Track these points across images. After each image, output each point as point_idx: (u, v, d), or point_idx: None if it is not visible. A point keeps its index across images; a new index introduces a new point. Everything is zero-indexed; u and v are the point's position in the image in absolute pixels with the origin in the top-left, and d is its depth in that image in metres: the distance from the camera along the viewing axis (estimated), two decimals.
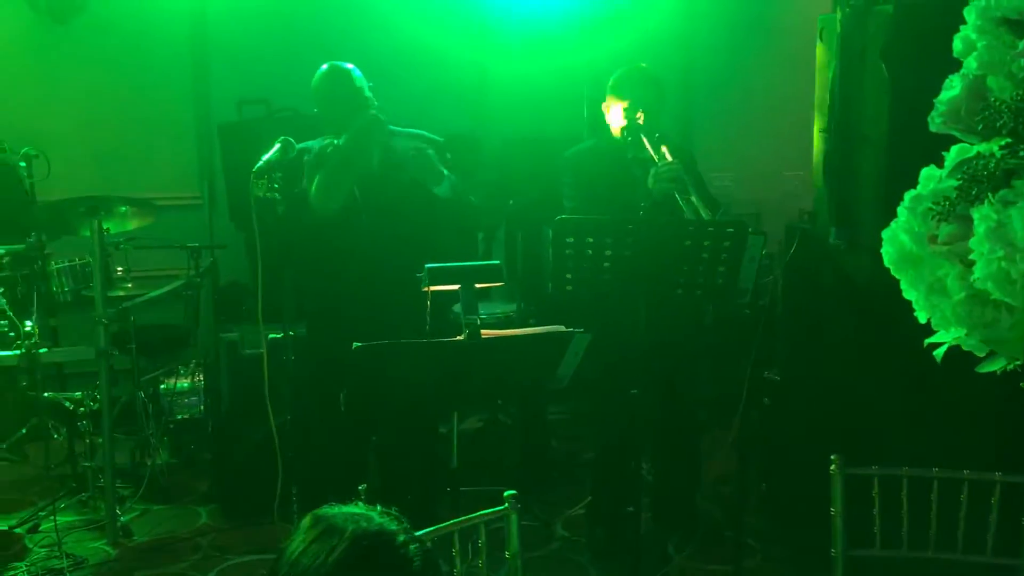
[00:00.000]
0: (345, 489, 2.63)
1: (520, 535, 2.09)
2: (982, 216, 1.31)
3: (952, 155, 1.41)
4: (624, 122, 3.61)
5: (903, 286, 1.39)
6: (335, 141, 3.06)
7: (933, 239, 1.35)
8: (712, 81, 5.65)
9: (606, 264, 3.02)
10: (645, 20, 5.49)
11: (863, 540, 2.23)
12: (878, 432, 3.11)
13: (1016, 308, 1.31)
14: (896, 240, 1.38)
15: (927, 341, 1.40)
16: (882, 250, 1.41)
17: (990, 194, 1.31)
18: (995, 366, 1.41)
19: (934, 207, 1.32)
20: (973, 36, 1.41)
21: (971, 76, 1.40)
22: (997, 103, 1.33)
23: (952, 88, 1.43)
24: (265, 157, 2.81)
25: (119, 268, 4.42)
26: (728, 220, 3.09)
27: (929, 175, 1.38)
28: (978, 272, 1.30)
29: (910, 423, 3.01)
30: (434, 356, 2.55)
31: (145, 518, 4.16)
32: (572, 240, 2.99)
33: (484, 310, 4.18)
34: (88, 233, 3.98)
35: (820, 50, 3.38)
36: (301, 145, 3.01)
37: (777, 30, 5.31)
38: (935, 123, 1.39)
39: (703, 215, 3.27)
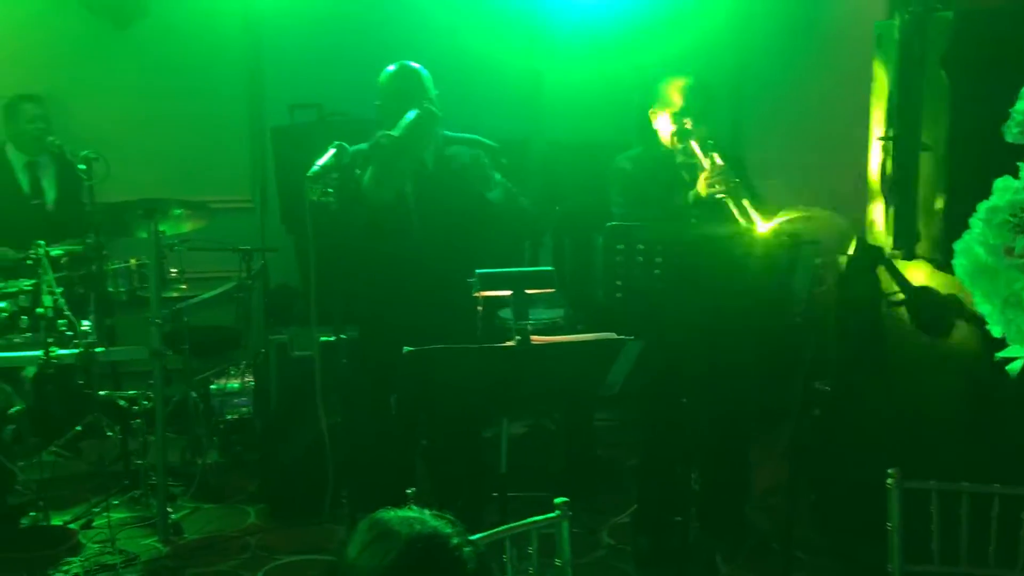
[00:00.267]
0: (394, 492, 2.65)
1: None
2: None
3: None
4: (673, 128, 3.61)
5: (976, 299, 1.36)
6: (389, 132, 3.09)
7: (1009, 251, 1.32)
8: (763, 86, 5.59)
9: (656, 272, 3.01)
10: (696, 26, 5.45)
11: (919, 555, 2.19)
12: (934, 445, 3.05)
13: None
14: (970, 252, 1.35)
15: (998, 355, 1.37)
16: (954, 262, 1.39)
17: None
18: None
19: (1011, 219, 1.29)
20: None
21: None
22: None
23: None
24: (320, 162, 2.85)
25: (173, 269, 4.49)
26: (782, 228, 3.06)
27: (1005, 186, 1.35)
28: None
29: (968, 436, 2.95)
30: (485, 361, 2.55)
31: (195, 516, 4.22)
32: (623, 247, 2.98)
33: (530, 315, 4.19)
34: (144, 235, 4.06)
35: (877, 57, 3.33)
36: (354, 148, 3.04)
37: (830, 35, 5.24)
38: (1011, 133, 1.36)
39: (756, 222, 3.24)
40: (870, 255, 3.35)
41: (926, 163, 3.10)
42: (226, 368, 4.92)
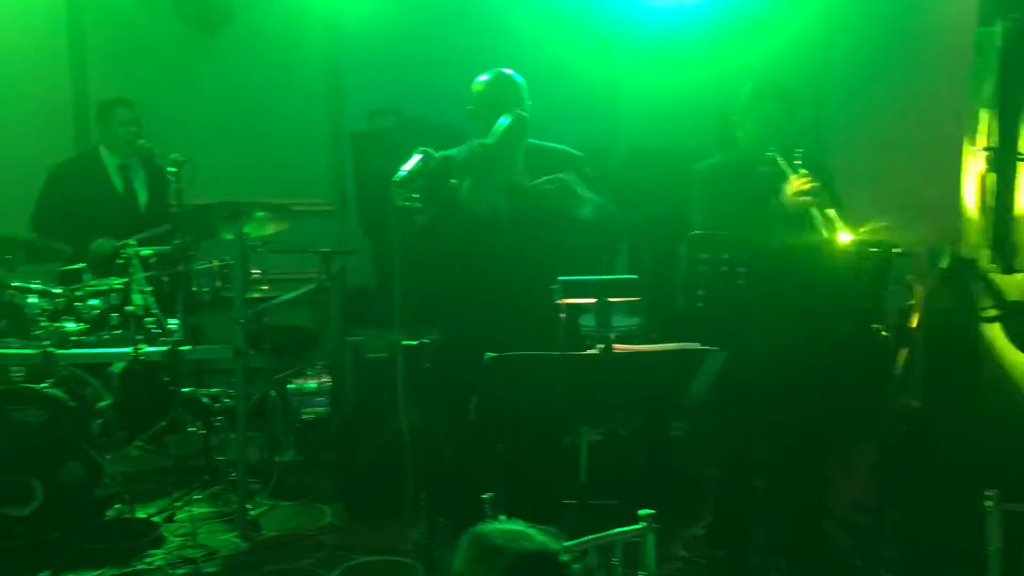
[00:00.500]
0: (471, 497, 2.66)
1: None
2: None
3: None
4: (755, 136, 3.55)
5: None
6: (484, 141, 3.11)
7: None
8: (847, 93, 5.47)
9: (740, 282, 2.98)
10: (777, 31, 5.38)
11: None
12: None
13: None
14: None
15: None
16: None
17: None
18: None
19: None
20: None
21: None
22: None
23: None
24: (406, 167, 2.87)
25: (256, 271, 4.57)
26: (873, 240, 2.99)
27: None
28: None
29: None
30: (567, 368, 2.55)
31: (272, 513, 4.29)
32: (706, 256, 2.95)
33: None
34: (229, 236, 4.15)
35: (975, 63, 3.23)
36: (440, 154, 3.06)
37: (918, 41, 5.10)
38: None
39: (841, 233, 3.17)
40: (963, 268, 3.24)
41: None
42: (303, 368, 5.00)
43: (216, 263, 4.49)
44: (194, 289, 4.47)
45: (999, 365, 3.15)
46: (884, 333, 3.18)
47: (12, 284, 3.98)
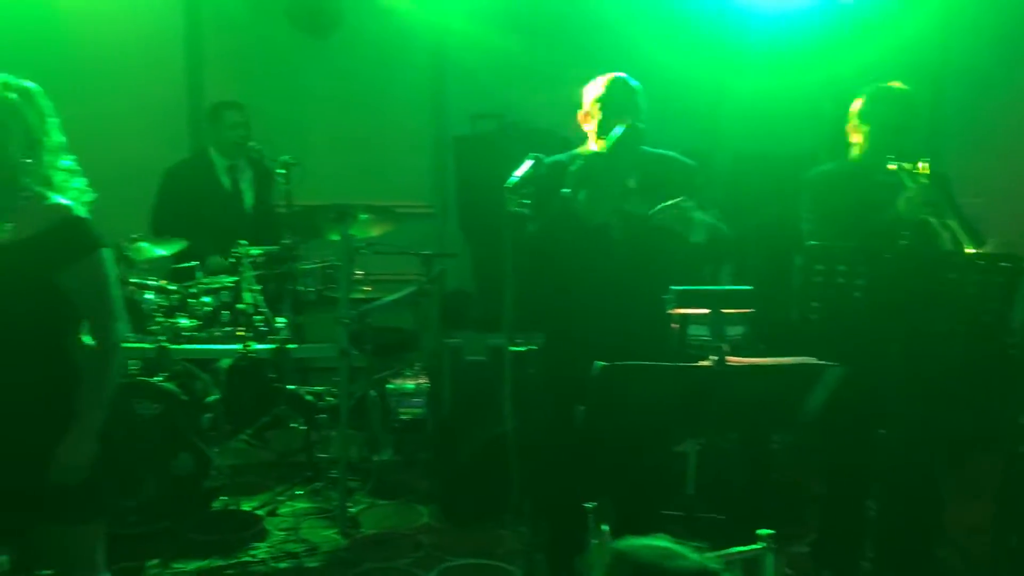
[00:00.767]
0: (574, 506, 2.63)
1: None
2: None
3: None
4: (872, 143, 3.43)
5: None
6: (597, 151, 3.08)
7: None
8: (965, 97, 5.27)
9: (857, 294, 2.88)
10: (892, 34, 5.20)
11: None
12: None
13: None
14: None
15: None
16: None
17: None
18: None
19: None
20: None
21: None
22: None
23: None
24: (518, 173, 2.86)
25: (359, 272, 4.65)
26: (1001, 252, 2.85)
27: None
28: None
29: None
30: (680, 380, 2.50)
31: (371, 511, 4.35)
32: (822, 267, 2.86)
33: (708, 332, 4.10)
34: (335, 237, 4.23)
35: None
36: (550, 160, 3.04)
37: None
38: None
39: (966, 244, 3.04)
40: None
41: None
42: (401, 369, 5.06)
43: (321, 263, 4.59)
44: (299, 288, 4.58)
45: None
46: (1012, 351, 3.04)
47: (131, 280, 4.12)
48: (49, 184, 2.40)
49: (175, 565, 3.74)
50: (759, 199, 4.98)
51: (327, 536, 4.07)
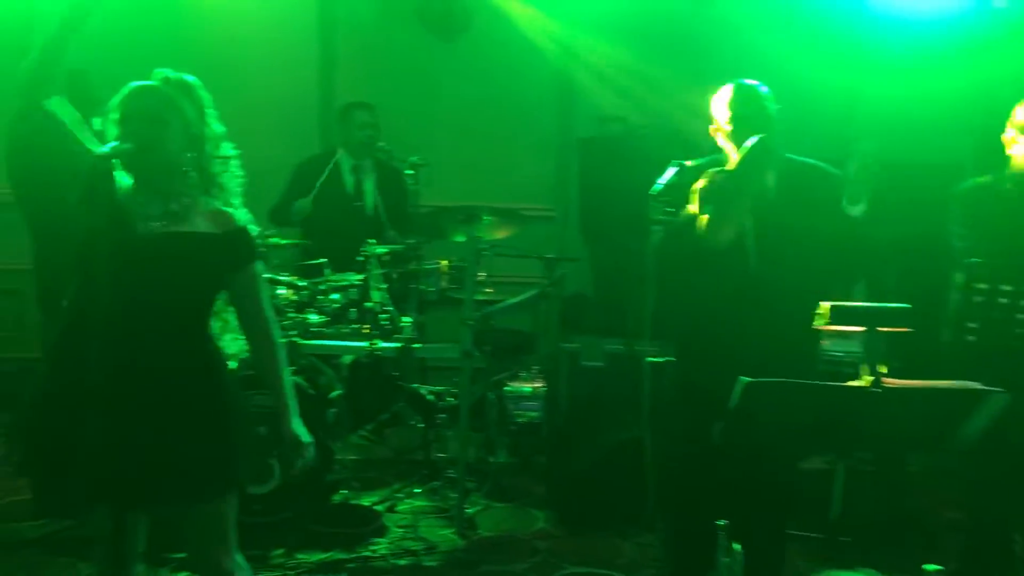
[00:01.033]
0: (706, 523, 2.56)
1: None
2: None
3: None
4: None
5: None
6: (724, 169, 2.99)
7: None
8: None
9: (1020, 316, 2.72)
10: None
11: None
12: None
13: None
14: None
15: None
16: None
17: None
18: None
19: None
20: None
21: None
22: None
23: None
24: (662, 180, 2.81)
25: (481, 273, 4.65)
26: None
27: None
28: None
29: None
30: (829, 399, 2.40)
31: (487, 513, 4.35)
32: (985, 287, 2.72)
33: (833, 348, 3.94)
34: (460, 238, 4.24)
35: None
36: (695, 163, 2.97)
37: None
38: None
39: None
40: None
41: None
42: (519, 371, 5.05)
43: (444, 264, 4.61)
44: (422, 288, 4.61)
45: None
46: None
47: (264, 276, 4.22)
48: (209, 177, 2.46)
49: (299, 556, 3.81)
50: (897, 211, 4.76)
51: (444, 536, 4.09)
